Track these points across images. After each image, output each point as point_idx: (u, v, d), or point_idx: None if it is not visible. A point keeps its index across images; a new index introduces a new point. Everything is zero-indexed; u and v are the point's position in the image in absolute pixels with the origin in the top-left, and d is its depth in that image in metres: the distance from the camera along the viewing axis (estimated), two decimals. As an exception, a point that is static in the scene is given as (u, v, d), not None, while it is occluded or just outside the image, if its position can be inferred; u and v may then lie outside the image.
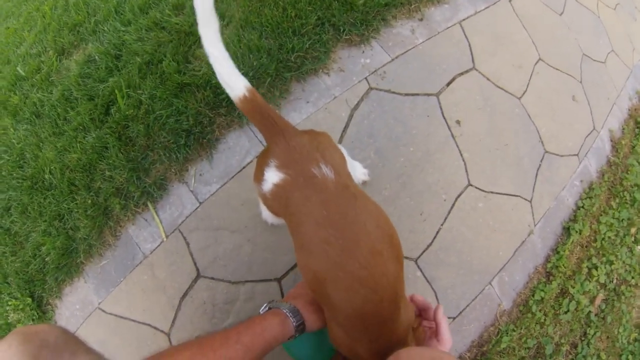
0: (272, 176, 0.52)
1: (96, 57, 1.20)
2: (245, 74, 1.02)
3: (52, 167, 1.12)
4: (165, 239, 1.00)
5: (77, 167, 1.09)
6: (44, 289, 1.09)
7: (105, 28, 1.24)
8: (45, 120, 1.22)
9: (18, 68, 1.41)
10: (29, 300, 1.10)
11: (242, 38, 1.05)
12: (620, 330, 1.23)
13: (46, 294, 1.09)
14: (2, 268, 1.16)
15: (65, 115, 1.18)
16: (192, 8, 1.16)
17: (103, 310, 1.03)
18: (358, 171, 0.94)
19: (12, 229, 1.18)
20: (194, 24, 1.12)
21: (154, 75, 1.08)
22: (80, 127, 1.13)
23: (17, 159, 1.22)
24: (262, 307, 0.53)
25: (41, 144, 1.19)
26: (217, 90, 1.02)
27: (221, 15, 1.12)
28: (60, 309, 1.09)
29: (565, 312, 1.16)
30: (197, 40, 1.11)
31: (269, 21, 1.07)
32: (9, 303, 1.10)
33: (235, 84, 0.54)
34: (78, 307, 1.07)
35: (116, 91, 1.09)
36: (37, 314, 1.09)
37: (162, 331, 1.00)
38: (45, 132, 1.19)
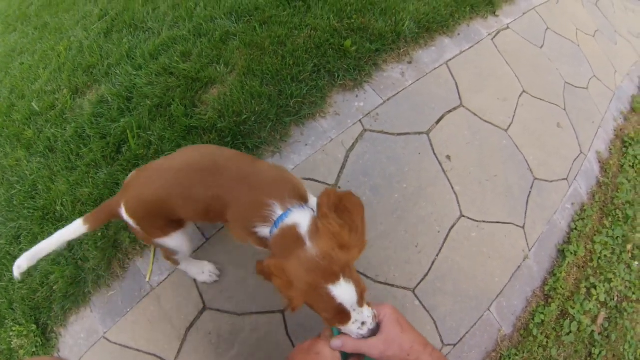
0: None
1: (109, 98, 1.28)
2: (247, 119, 1.12)
3: (63, 200, 1.17)
4: (148, 280, 1.03)
5: (89, 201, 1.14)
6: (50, 317, 1.11)
7: (118, 71, 1.33)
8: (58, 154, 1.29)
9: (33, 103, 1.49)
10: (34, 327, 1.11)
11: (244, 85, 1.13)
12: (626, 347, 1.23)
13: (51, 322, 1.12)
14: (8, 294, 1.19)
15: (78, 151, 1.25)
16: (198, 55, 1.27)
17: (108, 340, 1.06)
18: None
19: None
20: (200, 70, 1.21)
21: (163, 117, 1.16)
22: (93, 164, 1.19)
23: (29, 189, 1.27)
24: None
25: (54, 177, 1.25)
26: (222, 133, 1.09)
27: (225, 63, 1.22)
28: (65, 337, 1.11)
29: (568, 334, 1.17)
30: (203, 86, 1.19)
31: (270, 69, 1.16)
32: (13, 329, 1.12)
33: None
34: (83, 335, 1.09)
35: (127, 131, 1.16)
36: (41, 340, 1.10)
37: (167, 362, 1.02)
38: (58, 166, 1.26)
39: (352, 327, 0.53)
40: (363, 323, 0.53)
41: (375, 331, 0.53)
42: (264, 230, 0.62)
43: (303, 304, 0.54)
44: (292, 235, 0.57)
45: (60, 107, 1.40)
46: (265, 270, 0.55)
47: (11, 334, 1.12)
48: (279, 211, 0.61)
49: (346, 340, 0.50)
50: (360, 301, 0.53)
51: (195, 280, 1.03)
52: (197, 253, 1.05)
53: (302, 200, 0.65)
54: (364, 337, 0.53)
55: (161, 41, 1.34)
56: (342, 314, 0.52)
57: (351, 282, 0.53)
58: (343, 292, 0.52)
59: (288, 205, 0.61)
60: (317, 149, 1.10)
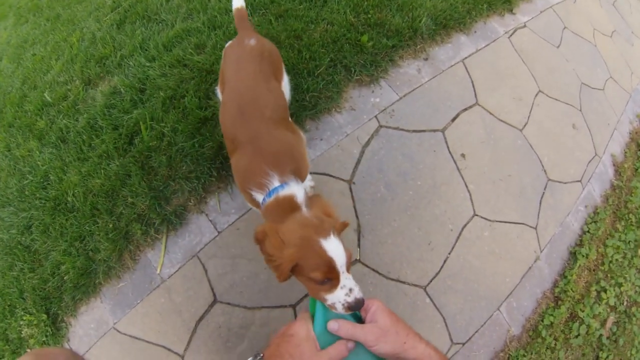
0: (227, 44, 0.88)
1: (121, 89, 1.28)
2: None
3: (75, 191, 1.18)
4: (159, 272, 1.04)
5: (100, 192, 1.14)
6: (60, 307, 1.12)
7: (131, 62, 1.33)
8: (70, 145, 1.29)
9: (45, 94, 1.49)
10: (44, 316, 1.12)
11: (260, 78, 1.12)
12: (633, 352, 1.24)
13: (62, 312, 1.12)
14: (19, 283, 1.19)
15: (90, 142, 1.25)
16: (213, 47, 1.27)
17: (118, 331, 1.06)
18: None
19: (32, 246, 1.22)
20: (214, 62, 1.21)
21: (177, 109, 1.16)
22: (105, 155, 1.19)
23: (41, 180, 1.28)
24: None
25: (65, 167, 1.25)
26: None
27: (241, 55, 1.21)
28: (75, 327, 1.12)
29: (576, 337, 1.17)
30: (217, 78, 1.19)
31: (286, 63, 1.14)
32: (24, 318, 1.13)
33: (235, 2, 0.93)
34: (93, 326, 1.10)
35: (140, 123, 1.16)
36: (51, 330, 1.11)
37: (176, 353, 1.03)
38: (70, 156, 1.26)
39: (340, 293, 0.52)
40: (350, 290, 0.53)
41: (361, 302, 0.52)
42: (258, 196, 0.65)
43: (292, 265, 0.54)
44: (287, 204, 0.62)
45: (72, 98, 1.40)
46: (259, 234, 0.57)
47: (21, 323, 1.13)
48: (275, 182, 0.64)
49: (342, 324, 0.48)
50: (348, 266, 0.55)
51: (206, 274, 1.03)
52: (209, 246, 1.05)
53: (300, 178, 0.68)
54: (350, 308, 0.52)
55: (175, 33, 1.33)
56: (332, 273, 0.53)
57: (340, 242, 0.54)
58: (334, 247, 0.53)
59: (286, 179, 0.64)
60: (332, 144, 1.09)
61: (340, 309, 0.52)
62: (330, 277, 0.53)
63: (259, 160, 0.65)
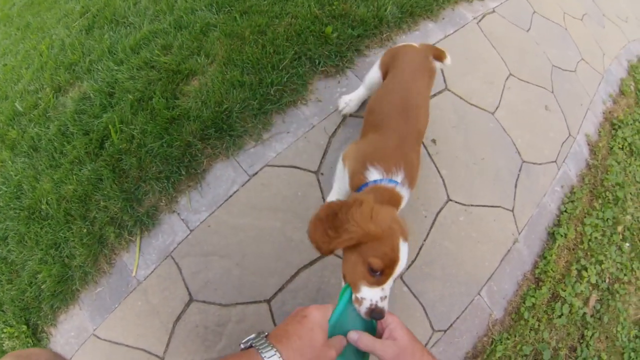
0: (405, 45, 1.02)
1: (91, 94, 1.27)
2: (228, 109, 1.11)
3: (48, 198, 1.16)
4: (134, 274, 1.03)
5: (73, 197, 1.13)
6: (40, 317, 1.11)
7: (100, 67, 1.32)
8: (42, 153, 1.28)
9: (16, 104, 1.48)
10: (24, 327, 1.11)
11: (225, 74, 1.12)
12: (619, 329, 1.24)
13: (41, 322, 1.11)
14: (-2, 296, 1.18)
15: (61, 149, 1.24)
16: (179, 48, 1.26)
17: (98, 337, 1.05)
18: None
19: (9, 257, 1.20)
20: (180, 62, 1.20)
21: (145, 111, 1.15)
22: (76, 160, 1.18)
23: (15, 190, 1.26)
24: (246, 339, 0.44)
25: (38, 176, 1.24)
26: (205, 124, 1.08)
27: (206, 54, 1.21)
28: (55, 336, 1.10)
29: (559, 316, 1.17)
30: (184, 78, 1.18)
31: (250, 58, 1.15)
32: (4, 330, 1.12)
33: None
34: (73, 334, 1.09)
35: (110, 126, 1.15)
36: (32, 341, 1.10)
37: (156, 355, 1.02)
38: (42, 164, 1.24)
39: (377, 293, 0.55)
40: (385, 297, 0.57)
41: (382, 315, 0.54)
42: (374, 174, 0.74)
43: (365, 240, 0.57)
44: (394, 198, 0.74)
45: (43, 106, 1.39)
46: (358, 199, 0.61)
47: (2, 335, 1.12)
48: (399, 179, 0.74)
49: (362, 336, 0.49)
50: (399, 276, 0.66)
51: (181, 273, 1.03)
52: (182, 245, 1.04)
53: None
54: (372, 311, 0.54)
55: (142, 35, 1.32)
56: (389, 270, 0.57)
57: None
58: (405, 252, 0.60)
59: (405, 184, 0.76)
60: (298, 136, 1.09)
61: (365, 308, 0.54)
62: (383, 273, 0.57)
63: (401, 155, 0.76)
